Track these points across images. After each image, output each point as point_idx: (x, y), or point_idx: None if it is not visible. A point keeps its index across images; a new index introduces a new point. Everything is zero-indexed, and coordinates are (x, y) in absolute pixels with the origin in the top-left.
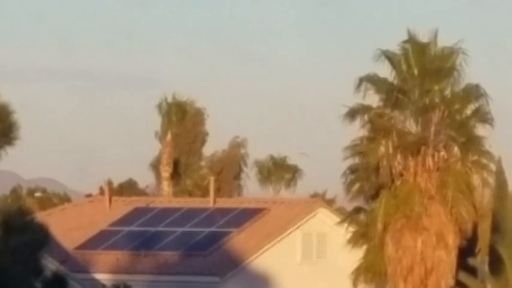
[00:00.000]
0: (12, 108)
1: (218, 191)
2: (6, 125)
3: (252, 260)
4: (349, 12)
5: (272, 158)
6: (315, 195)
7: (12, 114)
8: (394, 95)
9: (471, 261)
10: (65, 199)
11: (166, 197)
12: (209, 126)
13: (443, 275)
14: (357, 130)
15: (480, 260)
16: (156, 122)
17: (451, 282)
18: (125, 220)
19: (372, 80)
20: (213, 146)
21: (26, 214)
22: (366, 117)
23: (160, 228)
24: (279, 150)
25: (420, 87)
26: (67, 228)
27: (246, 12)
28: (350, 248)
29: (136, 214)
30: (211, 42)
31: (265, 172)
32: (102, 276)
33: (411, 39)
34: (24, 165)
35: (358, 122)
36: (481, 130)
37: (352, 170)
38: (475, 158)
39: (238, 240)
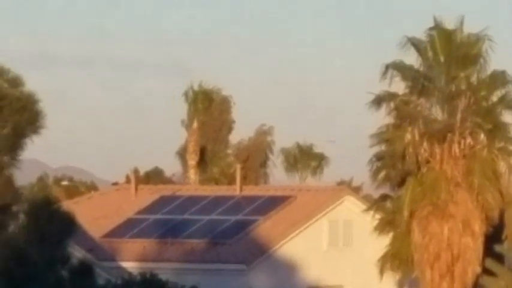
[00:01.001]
0: (38, 96)
1: (244, 179)
2: (32, 114)
3: (278, 247)
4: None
5: (298, 145)
6: (341, 183)
7: (38, 103)
8: (420, 82)
9: (498, 248)
10: (91, 187)
11: (192, 185)
12: (235, 114)
13: (470, 262)
14: (383, 117)
15: (507, 247)
16: (182, 110)
17: (478, 269)
18: (151, 208)
19: (398, 67)
20: (240, 133)
21: (53, 203)
22: (392, 104)
23: (186, 216)
24: (305, 137)
25: (446, 74)
26: (94, 217)
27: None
28: (376, 235)
29: (162, 202)
30: (238, 30)
31: (291, 160)
32: (128, 265)
33: (437, 26)
34: (51, 153)
35: (384, 109)
36: (507, 117)
37: (379, 157)
38: (502, 144)
39: (265, 228)
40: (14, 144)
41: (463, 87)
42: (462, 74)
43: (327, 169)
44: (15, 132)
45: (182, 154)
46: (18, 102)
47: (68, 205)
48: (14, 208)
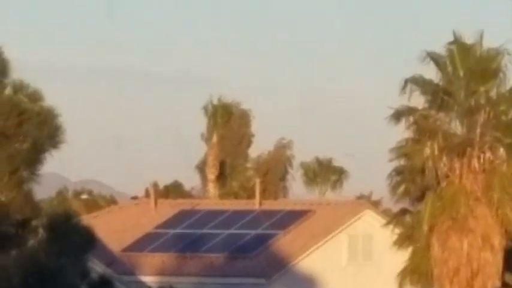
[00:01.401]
0: (58, 111)
1: (264, 193)
2: (52, 129)
3: (298, 262)
4: (394, 14)
5: (318, 159)
6: (360, 197)
7: (57, 118)
8: (439, 96)
9: None
10: (111, 201)
11: (212, 199)
12: (255, 127)
13: (490, 277)
14: (402, 132)
15: None
16: (202, 123)
17: (498, 283)
18: (170, 222)
19: (417, 82)
20: (259, 147)
21: (72, 217)
22: (411, 118)
23: (206, 231)
24: (324, 151)
25: (466, 88)
26: (113, 231)
27: (292, 12)
28: (396, 249)
29: (182, 216)
30: (257, 43)
31: (310, 174)
32: (148, 279)
33: (457, 41)
34: (70, 167)
35: (403, 124)
36: None
37: (398, 171)
38: None
39: (284, 242)
40: (34, 159)
41: (483, 101)
42: (482, 89)
43: (346, 183)
44: (34, 147)
45: (202, 168)
46: (38, 117)
47: (87, 219)
48: (34, 223)
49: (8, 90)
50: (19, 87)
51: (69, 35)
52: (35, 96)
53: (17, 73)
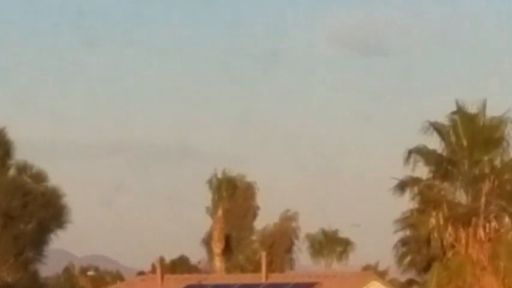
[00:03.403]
0: (62, 191)
1: (270, 265)
2: (57, 209)
3: None
4: (397, 85)
5: (323, 231)
6: (367, 267)
7: (62, 198)
8: (443, 166)
9: None
10: (117, 277)
11: (218, 274)
12: (260, 200)
13: None
14: (407, 202)
15: None
16: (206, 197)
17: None
18: None
19: (421, 152)
20: (264, 219)
21: None
22: (415, 189)
23: None
24: (330, 223)
25: (469, 158)
26: None
27: (293, 82)
28: None
29: None
30: (261, 116)
31: (316, 245)
32: None
33: (460, 110)
34: (76, 242)
35: (408, 194)
36: None
37: (404, 242)
38: None
39: None
40: (39, 239)
41: (487, 170)
42: (485, 158)
43: (353, 254)
44: (40, 228)
45: (208, 242)
46: (43, 197)
47: None
48: None
49: (12, 171)
50: (23, 168)
51: (69, 109)
52: (39, 177)
53: (21, 153)
